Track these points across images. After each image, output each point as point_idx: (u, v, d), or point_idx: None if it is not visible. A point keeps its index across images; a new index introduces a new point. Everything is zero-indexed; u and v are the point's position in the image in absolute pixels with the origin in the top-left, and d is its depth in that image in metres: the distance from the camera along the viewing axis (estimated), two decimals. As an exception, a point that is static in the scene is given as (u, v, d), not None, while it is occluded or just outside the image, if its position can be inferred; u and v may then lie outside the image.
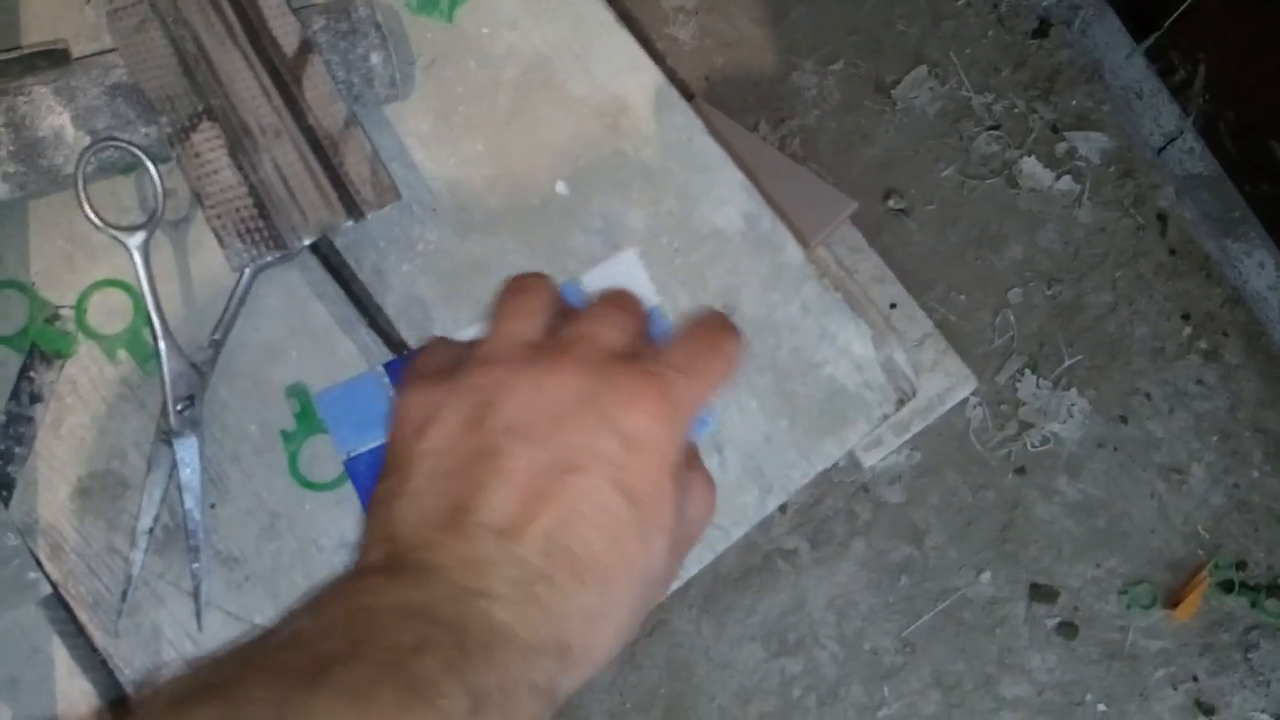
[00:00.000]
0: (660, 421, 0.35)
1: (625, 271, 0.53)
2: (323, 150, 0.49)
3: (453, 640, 0.30)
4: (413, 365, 0.40)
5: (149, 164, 0.49)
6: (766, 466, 0.53)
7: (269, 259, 0.49)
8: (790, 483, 0.53)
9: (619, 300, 0.41)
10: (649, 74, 0.55)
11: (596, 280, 0.53)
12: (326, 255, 0.52)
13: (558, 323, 0.39)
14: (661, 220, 0.54)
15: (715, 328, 0.40)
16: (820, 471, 0.54)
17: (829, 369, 0.54)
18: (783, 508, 1.47)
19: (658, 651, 1.45)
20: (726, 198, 0.54)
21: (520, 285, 0.40)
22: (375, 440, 0.49)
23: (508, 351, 0.37)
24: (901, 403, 0.54)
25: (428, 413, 0.36)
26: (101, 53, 0.51)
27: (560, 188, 0.54)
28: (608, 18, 0.56)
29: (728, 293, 0.54)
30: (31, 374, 0.51)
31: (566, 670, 0.33)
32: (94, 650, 0.49)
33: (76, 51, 0.53)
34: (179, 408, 0.49)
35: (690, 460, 0.41)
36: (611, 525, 0.34)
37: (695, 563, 0.53)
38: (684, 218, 0.54)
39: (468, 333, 0.52)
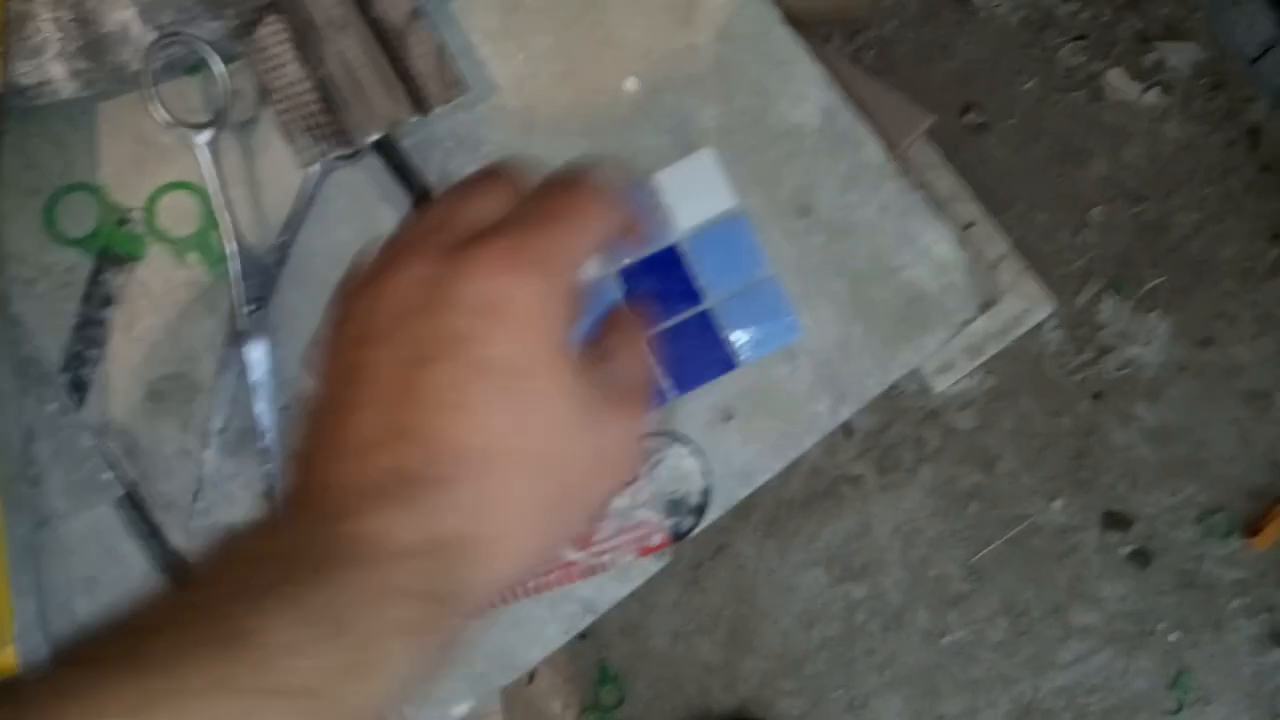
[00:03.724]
0: (516, 279, 0.32)
1: (701, 172, 0.51)
2: (389, 44, 0.48)
3: (305, 573, 0.28)
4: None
5: (216, 60, 0.48)
6: (840, 374, 0.52)
7: (336, 154, 0.48)
8: (865, 391, 0.52)
9: (478, 178, 0.37)
10: (723, -36, 0.53)
11: (670, 180, 0.51)
12: (392, 157, 0.52)
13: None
14: (735, 117, 0.52)
15: (562, 177, 0.37)
16: (896, 379, 0.52)
17: (908, 273, 0.52)
18: (849, 433, 1.46)
19: (721, 574, 1.46)
20: (804, 93, 0.52)
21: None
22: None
23: (357, 273, 0.36)
24: (985, 307, 0.52)
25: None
26: (165, -53, 0.50)
27: (630, 84, 0.52)
28: (679, -94, 0.53)
29: (803, 192, 0.52)
30: (103, 277, 0.51)
31: (453, 566, 0.31)
32: (169, 551, 0.50)
33: (140, -53, 0.52)
34: (249, 310, 0.49)
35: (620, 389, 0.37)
36: (480, 409, 0.31)
37: (764, 471, 0.52)
38: (759, 114, 0.52)
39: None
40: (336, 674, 0.27)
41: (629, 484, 0.51)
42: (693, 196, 0.51)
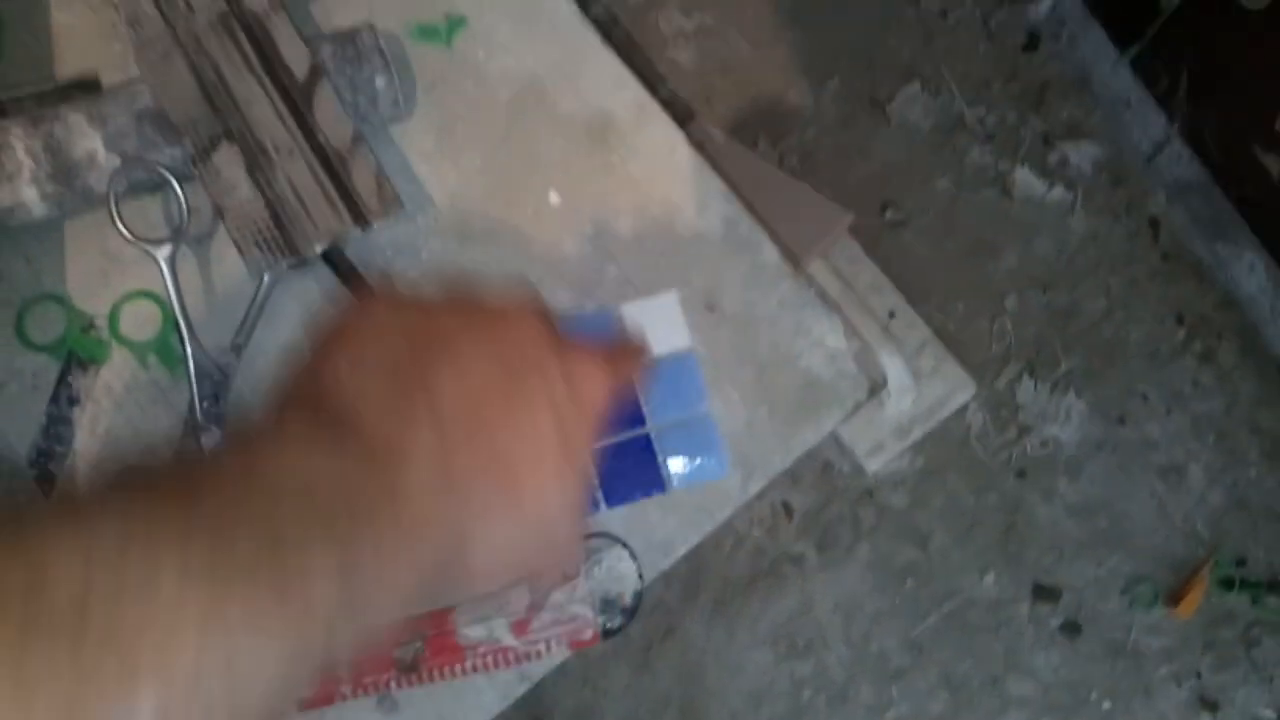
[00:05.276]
0: (606, 395, 0.37)
1: (665, 312, 0.57)
2: (332, 166, 0.53)
3: (355, 513, 0.29)
4: None
5: (174, 183, 0.53)
6: (748, 452, 0.57)
7: (285, 265, 0.53)
8: (771, 467, 0.57)
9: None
10: (633, 91, 0.59)
11: (636, 313, 0.56)
12: (338, 264, 0.57)
13: None
14: (647, 225, 0.58)
15: (636, 347, 0.45)
16: (798, 456, 0.57)
17: (804, 360, 0.57)
18: (790, 513, 1.50)
19: (670, 656, 1.48)
20: (707, 203, 0.58)
21: None
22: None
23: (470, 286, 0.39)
24: (873, 391, 0.57)
25: (387, 310, 0.37)
26: (130, 82, 0.55)
27: (553, 198, 0.58)
28: (594, 40, 0.60)
29: (710, 292, 0.58)
30: (69, 379, 0.55)
31: (452, 558, 0.33)
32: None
33: (106, 81, 0.57)
34: (205, 404, 0.54)
35: None
36: (529, 461, 0.34)
37: (683, 543, 0.56)
38: (668, 223, 0.58)
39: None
40: (340, 606, 0.28)
41: (567, 578, 0.55)
42: (653, 330, 0.56)
